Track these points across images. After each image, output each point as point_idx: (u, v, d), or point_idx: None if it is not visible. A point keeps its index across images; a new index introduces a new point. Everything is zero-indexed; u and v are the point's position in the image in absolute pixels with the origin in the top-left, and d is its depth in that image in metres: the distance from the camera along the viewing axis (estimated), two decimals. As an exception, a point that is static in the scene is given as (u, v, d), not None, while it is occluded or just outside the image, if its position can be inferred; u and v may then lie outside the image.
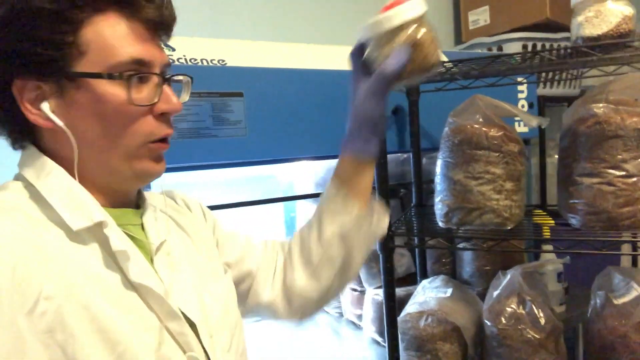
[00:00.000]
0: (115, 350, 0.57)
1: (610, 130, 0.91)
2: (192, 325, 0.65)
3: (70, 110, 0.62)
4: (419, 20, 0.73)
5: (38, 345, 0.53)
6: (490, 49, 1.90)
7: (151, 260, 0.67)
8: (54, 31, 0.59)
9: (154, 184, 0.92)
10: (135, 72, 0.62)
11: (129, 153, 0.64)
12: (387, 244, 1.03)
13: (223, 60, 1.15)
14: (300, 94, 1.18)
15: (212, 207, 0.93)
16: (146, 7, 0.62)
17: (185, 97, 0.72)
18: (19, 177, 0.65)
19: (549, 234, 1.62)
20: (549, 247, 1.49)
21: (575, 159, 0.97)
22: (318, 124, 1.19)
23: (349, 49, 1.32)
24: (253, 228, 1.12)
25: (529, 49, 1.83)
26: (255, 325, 1.67)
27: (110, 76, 0.61)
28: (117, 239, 0.62)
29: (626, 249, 1.44)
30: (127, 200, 0.71)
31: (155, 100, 0.64)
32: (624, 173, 0.90)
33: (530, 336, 1.00)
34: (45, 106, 0.61)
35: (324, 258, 0.81)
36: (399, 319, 1.13)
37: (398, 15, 0.71)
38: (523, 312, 1.02)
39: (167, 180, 0.86)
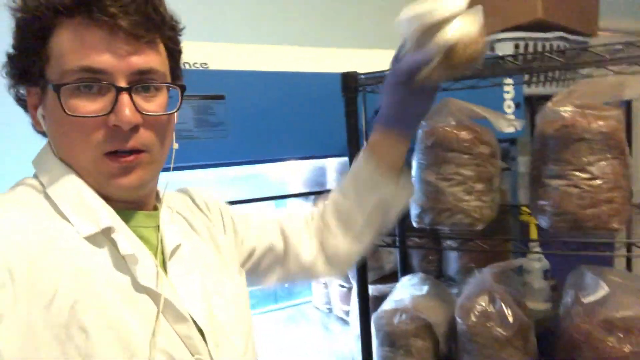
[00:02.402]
0: (128, 349, 0.58)
1: (576, 133, 0.93)
2: (200, 331, 0.66)
3: (47, 117, 0.64)
4: (459, 15, 0.66)
5: (52, 340, 0.54)
6: (482, 49, 1.92)
7: (163, 263, 0.68)
8: (27, 39, 0.61)
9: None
10: (83, 81, 0.59)
11: (87, 166, 0.63)
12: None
13: (205, 64, 1.18)
14: (281, 96, 1.21)
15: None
16: (104, 13, 0.58)
17: (174, 107, 0.69)
18: (34, 175, 0.66)
19: (536, 233, 1.64)
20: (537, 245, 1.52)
21: (544, 161, 0.98)
22: (298, 125, 1.22)
23: (329, 51, 1.35)
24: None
25: (521, 48, 1.85)
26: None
27: (54, 86, 0.59)
28: (126, 242, 0.62)
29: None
30: (139, 202, 0.70)
31: (103, 112, 0.60)
32: (588, 175, 0.92)
33: (498, 333, 1.02)
34: (39, 111, 0.64)
35: (365, 225, 0.89)
36: (374, 315, 1.16)
37: (434, 12, 0.66)
38: (492, 309, 1.04)
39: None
